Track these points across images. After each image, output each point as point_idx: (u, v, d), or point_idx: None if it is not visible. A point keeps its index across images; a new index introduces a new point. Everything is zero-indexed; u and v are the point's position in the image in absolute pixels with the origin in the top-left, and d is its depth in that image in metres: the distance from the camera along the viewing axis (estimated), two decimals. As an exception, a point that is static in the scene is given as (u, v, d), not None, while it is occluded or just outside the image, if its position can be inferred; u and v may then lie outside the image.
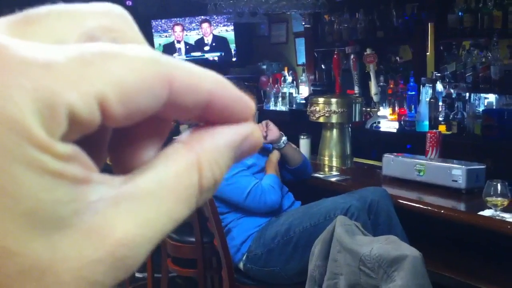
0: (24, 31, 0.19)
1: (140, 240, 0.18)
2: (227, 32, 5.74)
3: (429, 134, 2.79)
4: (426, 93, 3.76)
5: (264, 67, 5.46)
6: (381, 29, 4.29)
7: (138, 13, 5.14)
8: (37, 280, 0.16)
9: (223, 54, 5.73)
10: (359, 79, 3.67)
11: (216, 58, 5.76)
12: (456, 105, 3.63)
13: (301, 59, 5.36)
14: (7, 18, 0.19)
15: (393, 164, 2.68)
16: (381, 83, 4.03)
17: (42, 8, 0.19)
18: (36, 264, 0.16)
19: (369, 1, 4.39)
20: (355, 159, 3.15)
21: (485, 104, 3.67)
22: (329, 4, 4.19)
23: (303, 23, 5.00)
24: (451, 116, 3.61)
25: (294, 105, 4.88)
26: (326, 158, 3.08)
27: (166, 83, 0.19)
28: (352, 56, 3.66)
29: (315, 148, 3.16)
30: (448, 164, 2.46)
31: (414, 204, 2.33)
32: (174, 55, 5.56)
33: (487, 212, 2.09)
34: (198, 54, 5.77)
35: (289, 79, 5.03)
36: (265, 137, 2.55)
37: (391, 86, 4.12)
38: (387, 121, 4.04)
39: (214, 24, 5.74)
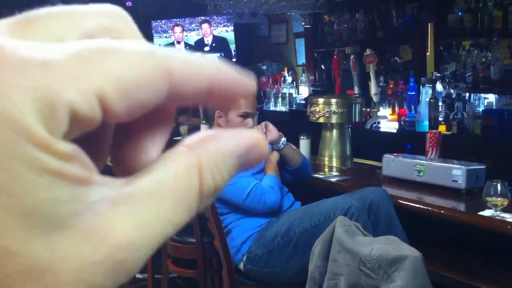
0: (24, 32, 0.19)
1: (139, 242, 0.18)
2: (227, 32, 5.74)
3: (429, 134, 2.79)
4: (426, 93, 3.77)
5: (264, 67, 5.45)
6: (381, 29, 4.29)
7: (138, 14, 5.14)
8: (37, 280, 0.16)
9: (223, 54, 5.73)
10: (359, 79, 3.66)
11: (216, 59, 5.77)
12: (456, 105, 3.64)
13: (301, 59, 5.36)
14: (7, 19, 0.19)
15: (393, 164, 2.67)
16: (381, 83, 4.03)
17: (42, 10, 0.19)
18: (36, 264, 0.16)
19: (369, 1, 4.39)
20: (355, 160, 3.15)
21: (485, 104, 3.66)
22: (329, 5, 4.19)
23: (303, 24, 5.00)
24: (451, 116, 3.62)
25: (294, 106, 4.88)
26: (326, 159, 3.08)
27: (165, 76, 0.19)
28: (352, 57, 3.66)
29: (315, 149, 3.16)
30: (448, 164, 2.45)
31: (414, 205, 2.33)
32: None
33: (487, 212, 2.09)
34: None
35: (289, 79, 5.04)
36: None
37: (391, 86, 4.12)
38: (387, 121, 4.04)
39: (214, 25, 5.74)
